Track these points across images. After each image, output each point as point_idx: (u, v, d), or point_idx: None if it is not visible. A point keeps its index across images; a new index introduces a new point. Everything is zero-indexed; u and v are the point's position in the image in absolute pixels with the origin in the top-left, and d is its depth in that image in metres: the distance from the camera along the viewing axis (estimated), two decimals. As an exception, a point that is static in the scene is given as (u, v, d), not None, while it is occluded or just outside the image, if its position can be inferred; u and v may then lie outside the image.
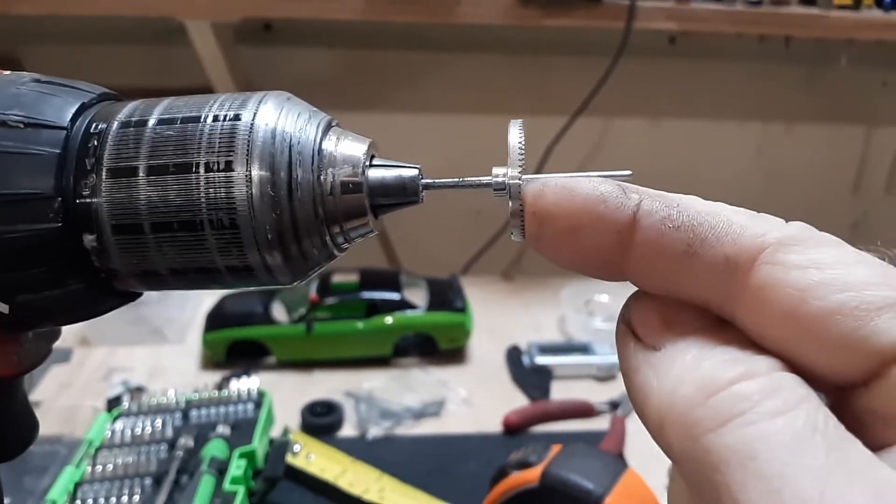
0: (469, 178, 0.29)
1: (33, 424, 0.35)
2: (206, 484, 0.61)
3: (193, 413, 0.72)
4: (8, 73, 0.29)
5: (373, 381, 0.84)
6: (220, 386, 0.81)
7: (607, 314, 0.96)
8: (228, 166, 0.25)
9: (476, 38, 1.14)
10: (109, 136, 0.27)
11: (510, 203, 0.28)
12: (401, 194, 0.28)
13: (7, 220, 0.26)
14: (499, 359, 0.91)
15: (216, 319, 0.88)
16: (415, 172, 0.28)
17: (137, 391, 0.79)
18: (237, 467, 0.63)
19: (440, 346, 0.89)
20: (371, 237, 0.29)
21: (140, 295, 0.30)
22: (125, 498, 0.61)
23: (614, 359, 0.85)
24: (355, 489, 0.67)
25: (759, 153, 1.24)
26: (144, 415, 0.72)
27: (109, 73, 1.17)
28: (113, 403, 0.77)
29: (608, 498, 0.52)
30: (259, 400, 0.72)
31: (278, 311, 0.89)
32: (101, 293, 0.28)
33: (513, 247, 1.26)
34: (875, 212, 1.29)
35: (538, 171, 1.20)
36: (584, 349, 0.89)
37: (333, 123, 0.29)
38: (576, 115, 1.10)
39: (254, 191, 0.25)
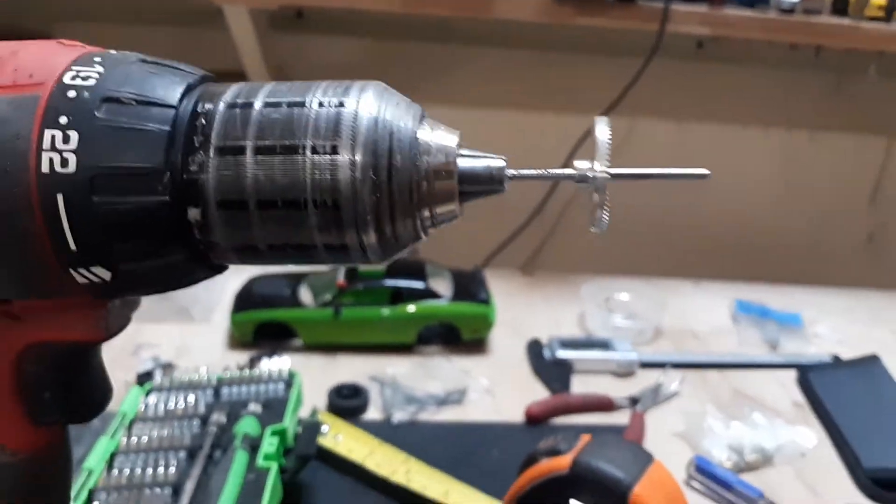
0: (553, 170, 0.30)
1: (108, 388, 0.37)
2: (240, 459, 0.63)
3: (225, 390, 0.73)
4: (114, 52, 0.30)
5: (397, 368, 0.85)
6: (250, 365, 0.82)
7: (627, 312, 0.98)
8: (334, 150, 0.27)
9: (506, 33, 1.15)
10: (217, 116, 0.28)
11: (595, 196, 0.29)
12: (488, 182, 0.30)
13: (118, 191, 0.27)
14: (519, 351, 0.92)
15: (245, 300, 0.89)
16: (502, 163, 0.30)
17: (168, 367, 0.81)
18: (270, 444, 0.64)
19: (463, 336, 0.90)
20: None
21: (227, 268, 0.32)
22: (161, 469, 0.62)
23: (634, 355, 0.87)
24: (382, 470, 0.68)
25: (781, 160, 1.25)
26: (177, 390, 0.73)
27: (141, 53, 1.18)
28: (143, 378, 0.78)
29: (636, 487, 0.53)
30: (289, 380, 0.73)
31: (305, 295, 0.90)
32: (197, 265, 0.30)
33: (532, 242, 1.28)
34: (892, 223, 1.30)
35: (566, 164, 1.21)
36: (604, 345, 0.90)
37: (425, 114, 0.30)
38: (605, 114, 1.11)
39: (357, 174, 0.27)
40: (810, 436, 0.79)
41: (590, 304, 0.98)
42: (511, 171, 0.30)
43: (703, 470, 0.70)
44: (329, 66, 1.20)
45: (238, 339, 0.89)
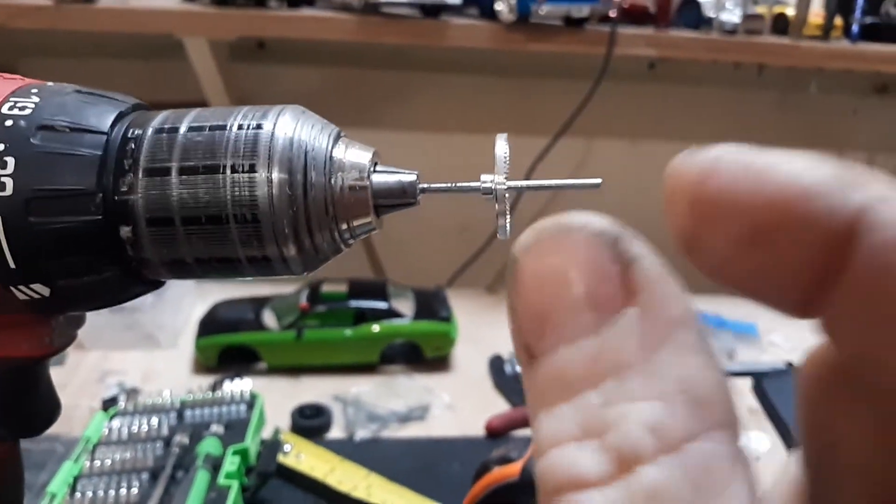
0: (461, 183, 0.33)
1: (56, 403, 0.38)
2: (201, 478, 0.64)
3: (188, 413, 0.74)
4: (51, 84, 0.32)
5: (360, 387, 0.87)
6: (214, 388, 0.84)
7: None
8: (252, 168, 0.29)
9: (461, 59, 1.19)
10: (145, 141, 0.30)
11: (496, 205, 0.32)
12: (401, 196, 0.32)
13: (53, 212, 0.29)
14: (482, 367, 0.94)
15: (209, 325, 0.91)
16: (413, 178, 0.32)
17: (132, 392, 0.82)
18: (231, 463, 0.66)
19: (426, 354, 0.92)
20: (370, 234, 0.33)
21: (163, 284, 0.34)
22: (123, 490, 0.63)
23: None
24: (344, 486, 0.70)
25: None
26: (140, 414, 0.74)
27: (106, 87, 1.20)
28: (108, 403, 0.79)
29: (584, 491, 0.55)
30: (251, 401, 0.75)
31: (269, 319, 0.92)
32: (132, 280, 0.32)
33: (497, 261, 1.30)
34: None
35: (521, 190, 1.23)
36: (563, 359, 0.92)
37: (342, 134, 0.32)
38: (558, 136, 1.15)
39: (274, 190, 0.29)
40: (764, 440, 0.81)
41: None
42: (422, 185, 0.32)
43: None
44: (290, 94, 1.22)
45: (203, 364, 0.90)
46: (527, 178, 1.19)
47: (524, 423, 0.82)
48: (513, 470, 0.58)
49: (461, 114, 1.23)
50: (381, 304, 0.91)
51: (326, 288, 0.92)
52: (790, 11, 1.05)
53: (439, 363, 0.94)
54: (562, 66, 1.16)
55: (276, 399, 0.83)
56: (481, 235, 1.26)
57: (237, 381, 0.83)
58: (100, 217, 0.29)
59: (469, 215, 1.27)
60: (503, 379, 0.90)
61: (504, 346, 0.97)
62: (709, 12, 1.04)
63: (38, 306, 0.31)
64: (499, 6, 0.96)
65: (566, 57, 1.10)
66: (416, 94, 1.22)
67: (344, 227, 0.31)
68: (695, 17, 1.04)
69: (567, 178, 0.33)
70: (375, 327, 0.90)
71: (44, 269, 0.30)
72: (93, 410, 0.79)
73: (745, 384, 0.92)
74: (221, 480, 0.64)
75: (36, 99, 0.30)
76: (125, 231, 0.30)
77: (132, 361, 0.90)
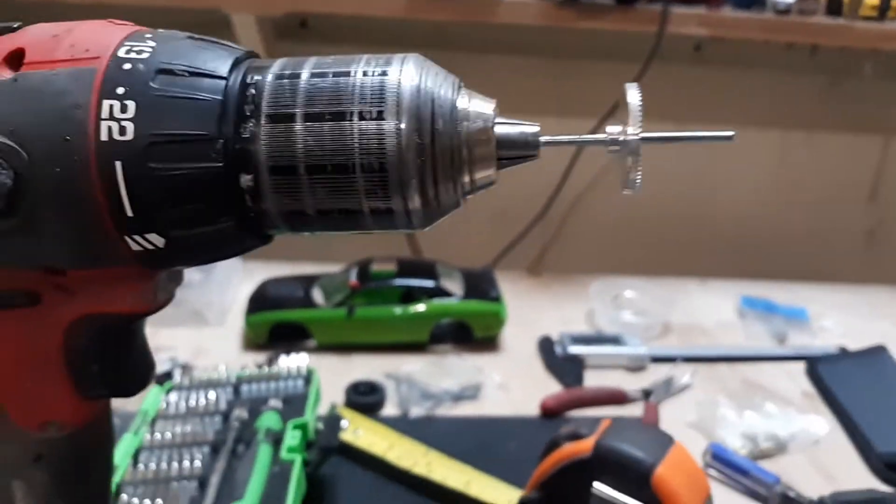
0: (587, 136, 0.32)
1: (152, 363, 0.38)
2: (264, 452, 0.63)
3: (244, 388, 0.74)
4: (162, 30, 0.32)
5: (411, 366, 0.86)
6: (269, 363, 0.83)
7: (635, 308, 0.99)
8: (380, 115, 0.28)
9: (507, 39, 1.17)
10: (266, 86, 0.29)
11: (629, 158, 0.31)
12: (523, 147, 0.31)
13: (173, 157, 0.28)
14: (531, 348, 0.93)
15: (259, 302, 0.90)
16: (536, 129, 0.31)
17: (186, 368, 0.82)
18: (292, 437, 0.65)
19: (475, 334, 0.91)
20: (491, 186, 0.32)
21: (271, 239, 0.33)
22: (186, 463, 0.63)
23: (645, 350, 0.88)
24: (403, 463, 0.69)
25: (780, 159, 1.27)
26: (197, 388, 0.74)
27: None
28: (162, 378, 0.79)
29: (659, 467, 0.54)
30: (308, 376, 0.74)
31: (317, 296, 0.91)
32: (246, 233, 0.31)
33: (536, 245, 1.29)
34: (891, 220, 1.32)
35: (567, 173, 1.22)
36: (615, 340, 0.91)
37: (461, 83, 0.31)
38: (605, 118, 1.13)
39: (403, 139, 0.28)
40: (822, 423, 0.80)
41: (598, 301, 1.00)
42: (545, 137, 0.31)
43: (719, 457, 0.71)
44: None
45: (253, 341, 0.90)
46: (575, 160, 1.18)
47: (579, 403, 0.81)
48: (584, 446, 0.57)
49: (507, 95, 1.20)
50: (430, 283, 0.90)
51: (376, 267, 0.91)
52: (846, -9, 1.03)
53: (488, 344, 0.93)
54: (608, 48, 1.14)
55: (327, 376, 0.82)
56: (517, 219, 1.25)
57: (292, 356, 0.83)
58: (220, 164, 0.29)
59: (506, 200, 1.26)
60: (553, 360, 0.89)
61: (552, 327, 0.96)
62: (762, -9, 1.02)
63: (150, 258, 0.30)
64: (551, -17, 0.95)
65: (613, 38, 1.09)
66: (461, 74, 1.20)
67: (466, 178, 0.30)
68: (748, -3, 1.03)
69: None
70: (424, 306, 0.89)
71: (160, 218, 0.29)
72: (146, 385, 0.79)
73: (798, 368, 0.91)
74: (284, 454, 0.63)
75: (152, 43, 0.30)
76: (246, 179, 0.29)
77: (182, 338, 0.90)
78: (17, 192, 0.28)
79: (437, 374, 0.84)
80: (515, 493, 0.65)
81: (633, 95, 0.31)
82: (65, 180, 0.28)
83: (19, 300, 0.32)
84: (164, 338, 0.90)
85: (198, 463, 0.63)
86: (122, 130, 0.28)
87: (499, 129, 0.31)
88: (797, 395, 0.86)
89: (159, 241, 0.30)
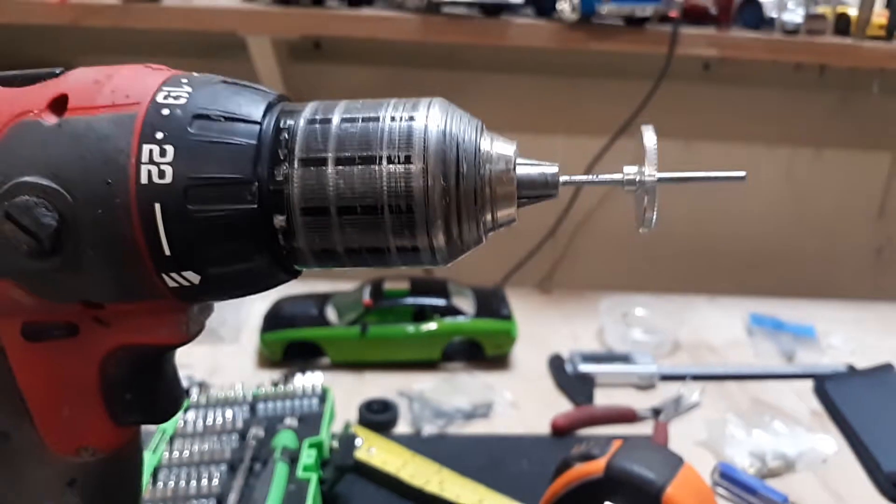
0: (604, 175, 0.33)
1: (182, 391, 0.39)
2: (280, 470, 0.65)
3: (260, 406, 0.75)
4: (197, 74, 0.33)
5: (423, 383, 0.87)
6: (283, 381, 0.84)
7: (645, 326, 1.00)
8: (408, 160, 0.30)
9: (518, 59, 1.19)
10: (299, 131, 0.31)
11: (645, 197, 0.32)
12: (543, 187, 0.32)
13: (211, 200, 0.30)
14: (541, 366, 0.94)
15: (274, 320, 0.92)
16: (555, 170, 0.33)
17: (203, 385, 0.83)
18: (308, 456, 0.66)
19: (486, 352, 0.92)
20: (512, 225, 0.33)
21: (301, 273, 0.34)
22: (204, 481, 0.64)
23: (654, 368, 0.89)
24: (416, 481, 0.70)
25: (789, 177, 1.28)
26: (214, 406, 0.75)
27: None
28: (180, 396, 0.80)
29: (669, 488, 0.55)
30: (323, 395, 0.75)
31: (331, 314, 0.93)
32: (279, 269, 0.32)
33: (547, 262, 1.30)
34: (899, 237, 1.33)
35: (577, 191, 1.23)
36: (625, 359, 0.92)
37: (483, 126, 0.33)
38: (616, 136, 1.15)
39: (429, 181, 0.30)
40: (830, 442, 0.80)
41: (608, 319, 1.01)
42: (564, 178, 0.33)
43: (727, 476, 0.72)
44: (346, 92, 1.23)
45: (268, 358, 0.91)
46: (586, 176, 1.19)
47: (589, 421, 0.82)
48: (596, 467, 0.58)
49: (519, 113, 1.23)
50: (442, 302, 0.91)
51: (389, 285, 0.92)
52: (853, 11, 1.04)
53: (499, 361, 0.94)
54: (619, 67, 1.16)
55: (341, 393, 0.83)
56: (527, 236, 1.26)
57: (307, 374, 0.84)
58: (255, 206, 0.30)
59: (521, 216, 1.27)
60: (564, 378, 0.90)
61: (562, 344, 0.97)
62: (770, 12, 1.03)
63: (185, 293, 0.32)
64: (561, 5, 0.96)
65: (623, 58, 1.10)
66: (471, 93, 1.23)
67: (489, 217, 0.32)
68: (756, 17, 1.04)
69: (714, 172, 0.33)
70: (436, 324, 0.90)
71: (197, 257, 0.30)
72: (164, 402, 0.80)
73: (806, 386, 0.92)
74: (300, 473, 0.65)
75: (188, 88, 0.31)
76: (279, 220, 0.30)
77: (198, 356, 0.91)
78: (61, 232, 0.29)
79: (449, 392, 0.86)
80: (528, 512, 0.66)
81: (650, 138, 0.32)
82: (106, 221, 0.29)
83: (58, 332, 0.34)
84: (181, 355, 0.90)
85: (216, 481, 0.64)
86: (162, 174, 0.29)
87: (520, 171, 0.32)
88: (805, 413, 0.87)
89: (195, 277, 0.31)
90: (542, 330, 1.02)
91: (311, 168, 0.30)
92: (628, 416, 0.83)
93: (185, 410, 0.75)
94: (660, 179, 0.32)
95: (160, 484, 0.64)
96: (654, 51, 1.00)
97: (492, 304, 0.95)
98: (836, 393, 0.88)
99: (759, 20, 1.04)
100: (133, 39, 1.17)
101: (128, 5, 0.98)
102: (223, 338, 0.95)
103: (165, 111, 0.30)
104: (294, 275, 0.33)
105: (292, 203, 0.30)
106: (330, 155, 0.30)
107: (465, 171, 0.30)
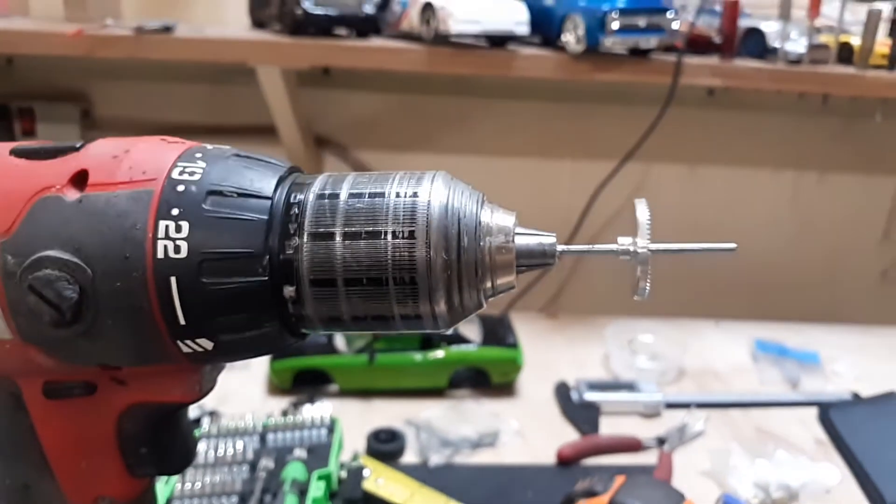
0: (599, 246, 0.34)
1: (194, 445, 0.41)
2: (290, 503, 0.66)
3: (270, 436, 0.76)
4: (210, 147, 0.35)
5: (430, 411, 0.88)
6: (290, 411, 0.86)
7: (650, 353, 1.01)
8: (411, 235, 0.31)
9: (524, 86, 1.20)
10: (308, 206, 0.32)
11: (638, 268, 0.33)
12: (541, 257, 0.34)
13: (224, 273, 0.31)
14: (547, 393, 0.95)
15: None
16: (552, 240, 0.34)
17: (214, 415, 0.84)
18: (317, 488, 0.68)
19: (492, 380, 0.93)
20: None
21: (309, 335, 0.36)
22: (216, 514, 0.65)
23: (659, 397, 0.89)
24: (424, 513, 0.71)
25: (793, 201, 1.29)
26: (224, 437, 0.77)
27: (173, 109, 1.25)
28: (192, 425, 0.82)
29: (671, 527, 0.56)
30: (331, 426, 0.77)
31: (339, 342, 0.94)
32: (287, 333, 0.34)
33: (553, 284, 1.31)
34: (904, 260, 1.33)
35: (585, 213, 1.24)
36: (630, 387, 0.93)
37: (485, 198, 0.34)
38: (623, 162, 1.16)
39: (432, 255, 0.31)
40: (834, 472, 0.81)
41: (613, 345, 1.02)
42: (561, 247, 0.34)
43: (731, 508, 0.73)
44: (355, 118, 1.25)
45: (277, 386, 0.93)
46: (591, 204, 1.20)
47: (594, 451, 0.83)
48: (600, 503, 0.59)
49: (525, 139, 1.24)
50: (449, 330, 0.92)
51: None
52: (856, 41, 1.05)
53: (505, 389, 0.95)
54: (624, 93, 1.17)
55: (349, 421, 0.84)
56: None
57: (316, 404, 0.85)
58: (266, 278, 0.31)
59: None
60: (570, 406, 0.91)
61: (568, 372, 0.98)
62: (773, 42, 1.04)
63: (198, 358, 0.33)
64: (566, 38, 0.98)
65: (629, 84, 1.11)
66: (479, 119, 1.24)
67: (488, 285, 0.33)
68: (759, 47, 1.05)
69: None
70: (444, 353, 0.92)
71: (210, 326, 0.32)
72: (176, 431, 0.82)
73: (811, 414, 0.92)
74: (309, 505, 0.66)
75: (202, 164, 0.32)
76: (289, 290, 0.32)
77: (208, 382, 0.93)
78: (81, 304, 0.31)
79: (456, 421, 0.87)
80: (533, 545, 0.67)
81: (643, 211, 0.33)
82: (124, 293, 0.31)
83: (77, 390, 0.35)
84: (192, 382, 0.92)
85: (227, 514, 0.66)
86: (177, 249, 0.31)
87: (519, 241, 0.33)
88: (809, 442, 0.87)
89: (208, 344, 0.32)
90: (548, 356, 1.03)
91: (320, 242, 0.32)
92: (633, 446, 0.84)
93: (197, 440, 0.77)
94: (653, 251, 0.33)
95: (172, 517, 0.66)
96: (658, 81, 1.01)
97: (498, 331, 0.96)
98: (840, 421, 0.89)
99: (763, 50, 1.05)
100: (147, 67, 1.20)
101: (140, 37, 1.00)
102: (233, 365, 0.96)
103: (181, 187, 0.31)
104: (302, 337, 0.35)
105: (301, 274, 0.32)
106: (338, 229, 0.32)
107: (466, 244, 0.32)
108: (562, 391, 0.94)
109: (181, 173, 0.32)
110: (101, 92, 1.23)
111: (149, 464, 0.38)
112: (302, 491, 0.68)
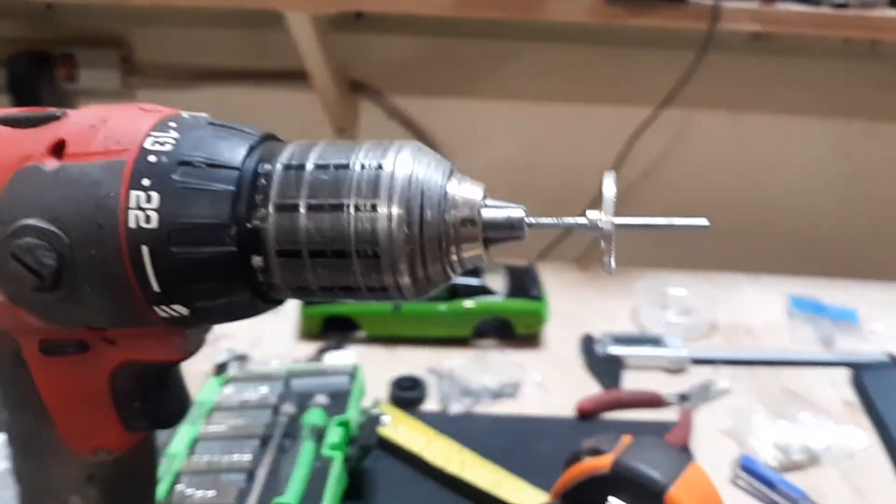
0: (567, 219, 0.34)
1: (187, 399, 0.42)
2: (307, 448, 0.68)
3: (294, 382, 0.79)
4: (186, 116, 0.35)
5: (453, 360, 0.90)
6: (316, 357, 0.88)
7: (682, 307, 1.00)
8: (374, 208, 0.31)
9: (560, 29, 1.17)
10: (275, 177, 0.33)
11: (602, 243, 0.33)
12: (508, 230, 0.33)
13: (193, 243, 0.32)
14: (573, 346, 0.95)
15: (313, 295, 0.95)
16: (521, 213, 0.34)
17: (242, 359, 0.87)
18: (334, 434, 0.70)
19: (516, 331, 0.94)
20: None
21: (284, 301, 0.36)
22: (236, 456, 0.68)
23: (685, 352, 0.89)
24: (438, 461, 0.73)
25: (839, 151, 1.23)
26: (251, 381, 0.79)
27: (209, 54, 1.26)
28: (220, 368, 0.85)
29: (672, 488, 0.56)
30: (353, 373, 0.79)
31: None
32: (260, 300, 0.34)
33: (588, 236, 1.30)
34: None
35: (619, 162, 1.22)
36: (656, 341, 0.93)
37: (454, 169, 0.34)
38: (660, 108, 1.13)
39: (394, 228, 0.31)
40: (860, 436, 0.79)
41: (644, 299, 1.01)
42: (529, 220, 0.34)
43: (747, 468, 0.72)
44: (388, 64, 1.24)
45: (307, 332, 0.95)
46: (626, 152, 1.18)
47: (615, 405, 0.83)
48: (603, 462, 0.59)
49: (560, 83, 1.22)
50: (475, 281, 0.93)
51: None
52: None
53: (530, 340, 0.95)
54: (663, 37, 1.13)
55: (374, 367, 0.86)
56: (573, 208, 1.26)
57: (339, 351, 0.88)
58: (234, 248, 0.32)
59: (564, 186, 1.27)
60: (594, 359, 0.91)
61: (595, 325, 0.98)
62: (820, -16, 0.99)
63: (176, 322, 0.34)
64: (600, -19, 0.94)
65: (668, 28, 1.07)
66: (513, 63, 1.22)
67: (454, 258, 0.33)
68: (805, -11, 1.00)
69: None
70: (469, 303, 0.92)
71: (183, 293, 0.33)
72: (205, 373, 0.85)
73: (843, 375, 0.90)
74: (326, 451, 0.68)
75: (175, 134, 0.33)
76: (256, 260, 0.32)
77: (240, 327, 0.95)
78: (60, 271, 0.32)
79: (478, 371, 0.88)
80: (542, 497, 0.68)
81: (609, 186, 0.33)
82: (100, 260, 0.32)
83: (71, 348, 0.37)
84: (224, 326, 0.95)
85: (247, 456, 0.68)
86: (148, 219, 0.31)
87: (485, 214, 0.33)
88: (837, 404, 0.85)
89: (184, 310, 0.33)
90: (577, 308, 1.03)
91: (285, 213, 0.32)
92: (654, 402, 0.84)
93: (225, 384, 0.80)
94: (617, 226, 0.32)
95: (195, 457, 0.68)
96: (694, 26, 0.97)
97: (524, 283, 0.96)
98: (873, 384, 0.86)
99: (808, -8, 0.99)
100: (184, 12, 1.21)
101: (174, -17, 1.01)
102: (266, 309, 0.99)
103: (152, 158, 0.32)
104: (276, 303, 0.36)
105: (268, 245, 0.32)
106: (302, 201, 0.32)
107: (430, 217, 0.32)
108: (587, 344, 0.94)
109: (154, 143, 0.33)
110: (140, 38, 1.25)
111: (142, 417, 0.40)
112: (320, 436, 0.70)
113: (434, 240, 0.32)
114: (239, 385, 0.79)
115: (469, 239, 0.33)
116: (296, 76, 1.19)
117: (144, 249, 0.32)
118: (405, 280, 0.32)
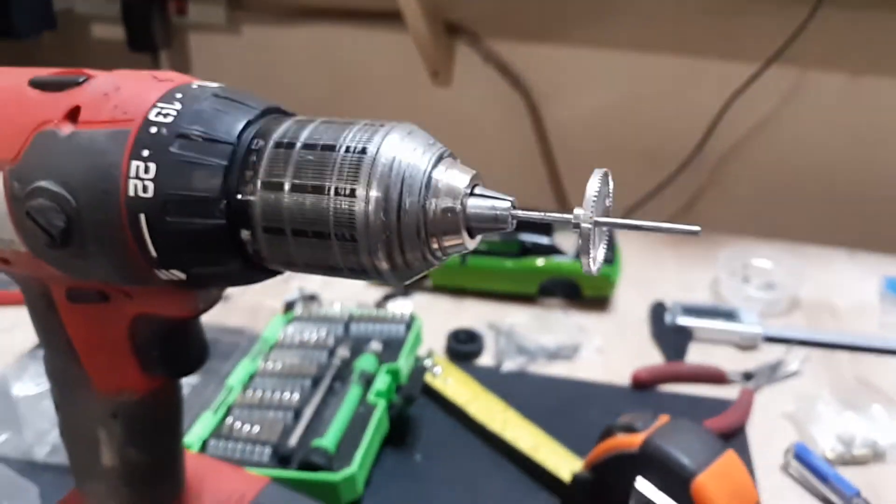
0: (552, 214, 0.33)
1: (205, 349, 0.45)
2: (353, 393, 0.71)
3: (353, 326, 0.81)
4: (195, 86, 0.36)
5: (516, 317, 0.90)
6: (381, 303, 0.90)
7: (764, 280, 0.95)
8: (352, 192, 0.31)
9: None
10: (265, 154, 0.33)
11: (579, 241, 0.32)
12: (492, 222, 0.33)
13: (185, 214, 0.33)
14: (641, 313, 0.93)
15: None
16: (507, 205, 0.33)
17: (311, 299, 0.90)
18: (382, 382, 0.72)
19: (584, 293, 0.92)
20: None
21: (278, 272, 0.37)
22: (287, 394, 0.71)
23: (758, 329, 0.85)
24: (481, 416, 0.74)
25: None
26: (313, 322, 0.83)
27: None
28: (289, 307, 0.89)
29: (701, 475, 0.55)
30: (410, 323, 0.80)
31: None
32: (254, 271, 0.36)
33: (683, 195, 1.25)
34: None
35: (718, 119, 1.16)
36: (730, 315, 0.89)
37: (446, 155, 0.33)
38: (768, 63, 1.05)
39: (370, 214, 0.31)
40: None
41: (725, 269, 0.96)
42: (515, 212, 0.33)
43: (800, 458, 0.69)
44: (485, 5, 1.22)
45: (376, 277, 0.97)
46: (723, 112, 1.11)
47: (673, 378, 0.81)
48: (634, 441, 0.58)
49: (662, 33, 1.15)
50: (544, 240, 0.92)
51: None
52: None
53: (599, 302, 0.94)
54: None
55: (436, 318, 0.88)
56: (668, 165, 1.21)
57: (401, 300, 0.89)
58: (224, 221, 0.33)
59: (658, 141, 1.22)
60: (662, 328, 0.89)
61: (668, 292, 0.95)
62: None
63: (177, 285, 0.36)
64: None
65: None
66: (616, 11, 1.16)
67: (435, 246, 0.33)
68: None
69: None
70: (537, 262, 0.91)
71: (179, 259, 0.34)
72: (274, 310, 0.89)
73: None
74: (371, 397, 0.70)
75: (178, 106, 0.34)
76: (245, 234, 0.33)
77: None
78: (68, 230, 0.34)
79: (539, 329, 0.87)
80: (577, 465, 0.68)
81: (592, 183, 0.31)
82: (104, 224, 0.34)
83: (93, 297, 0.39)
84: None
85: (297, 395, 0.71)
86: (145, 189, 0.33)
87: (470, 203, 0.32)
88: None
89: (181, 275, 0.35)
90: (653, 274, 1.00)
91: (270, 191, 0.33)
92: (715, 378, 0.81)
93: (289, 322, 0.83)
94: (596, 224, 0.31)
95: (250, 392, 0.72)
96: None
97: (597, 244, 0.94)
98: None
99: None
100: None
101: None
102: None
103: (153, 129, 0.33)
104: (271, 274, 0.37)
105: (255, 221, 0.33)
106: (287, 180, 0.32)
107: (408, 206, 0.31)
108: (657, 311, 0.92)
109: (157, 115, 0.34)
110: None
111: (161, 365, 0.42)
112: (368, 382, 0.72)
113: (412, 227, 0.32)
114: (301, 325, 0.83)
115: (450, 229, 0.32)
116: (392, 16, 1.19)
117: (142, 217, 0.33)
118: (383, 265, 0.32)
